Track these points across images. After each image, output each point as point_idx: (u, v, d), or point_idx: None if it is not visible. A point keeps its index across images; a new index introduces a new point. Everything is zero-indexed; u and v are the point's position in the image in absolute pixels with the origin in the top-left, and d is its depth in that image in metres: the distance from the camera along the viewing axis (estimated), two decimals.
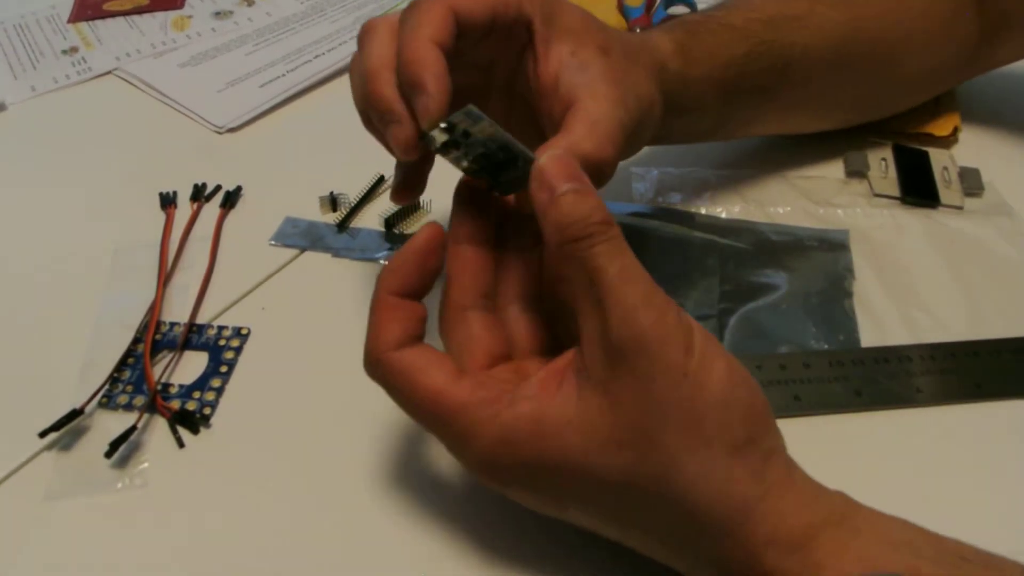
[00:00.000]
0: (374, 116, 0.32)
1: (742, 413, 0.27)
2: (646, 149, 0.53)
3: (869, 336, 0.41)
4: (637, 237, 0.47)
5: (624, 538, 0.30)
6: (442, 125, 0.30)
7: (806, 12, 0.46)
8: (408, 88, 0.30)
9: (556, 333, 0.33)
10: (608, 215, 0.28)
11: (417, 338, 0.31)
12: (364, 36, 0.34)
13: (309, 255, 0.48)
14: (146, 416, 0.39)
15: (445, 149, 0.31)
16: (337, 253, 0.48)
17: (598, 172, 0.32)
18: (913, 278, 0.44)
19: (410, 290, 0.31)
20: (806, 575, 0.26)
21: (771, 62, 0.45)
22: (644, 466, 0.27)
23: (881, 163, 0.50)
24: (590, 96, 0.33)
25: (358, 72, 0.33)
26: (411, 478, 0.37)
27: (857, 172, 0.50)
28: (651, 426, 0.27)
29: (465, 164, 0.31)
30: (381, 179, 0.51)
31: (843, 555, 0.27)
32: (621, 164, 0.51)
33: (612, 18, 0.66)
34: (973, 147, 0.52)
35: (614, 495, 0.28)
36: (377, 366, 0.31)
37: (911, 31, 0.48)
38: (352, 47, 0.64)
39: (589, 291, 0.28)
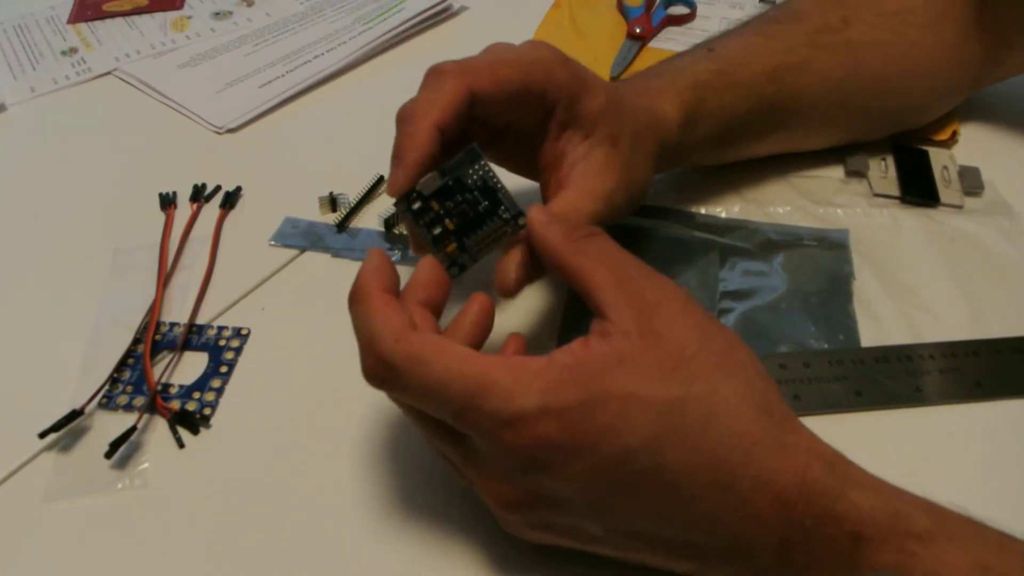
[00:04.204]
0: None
1: (752, 356, 0.30)
2: None
3: (869, 336, 0.41)
4: (637, 237, 0.47)
5: (664, 500, 0.28)
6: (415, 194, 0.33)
7: (806, 59, 0.46)
8: (395, 152, 0.34)
9: None
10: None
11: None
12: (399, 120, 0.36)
13: (309, 255, 0.48)
14: (146, 416, 0.39)
15: (416, 215, 0.33)
16: (337, 253, 0.48)
17: (544, 253, 0.33)
18: (913, 277, 0.44)
19: (394, 288, 0.31)
20: (848, 486, 0.28)
21: (772, 114, 0.46)
22: (695, 389, 0.27)
23: (881, 163, 0.50)
24: (575, 188, 0.36)
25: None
26: (411, 478, 0.37)
27: (857, 172, 0.50)
28: (693, 356, 0.28)
29: (438, 230, 0.32)
30: (381, 179, 0.51)
31: (874, 479, 0.29)
32: None
33: (611, 18, 0.66)
34: (973, 146, 0.52)
35: (663, 423, 0.27)
36: (396, 349, 0.28)
37: (916, 64, 0.48)
38: (351, 47, 0.64)
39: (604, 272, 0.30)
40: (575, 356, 0.28)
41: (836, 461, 0.29)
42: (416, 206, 0.33)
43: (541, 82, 0.36)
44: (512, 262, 0.33)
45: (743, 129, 0.46)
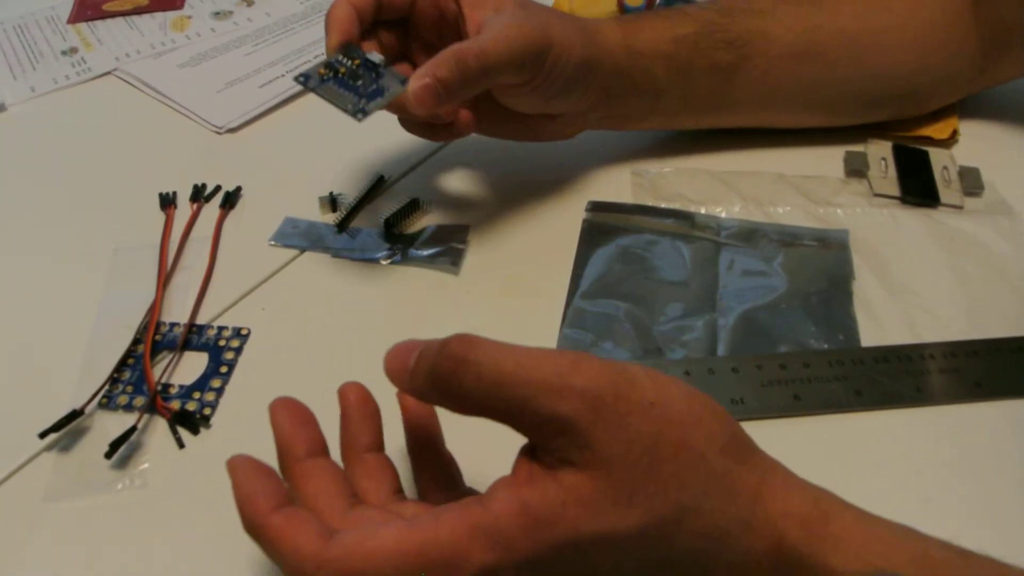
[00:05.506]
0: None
1: (713, 417, 0.27)
2: (646, 149, 0.53)
3: (869, 336, 0.41)
4: (637, 238, 0.47)
5: None
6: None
7: (768, 8, 0.48)
8: (325, 27, 0.43)
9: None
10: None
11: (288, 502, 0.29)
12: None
13: (309, 255, 0.48)
14: (146, 417, 0.39)
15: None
16: (337, 253, 0.48)
17: (465, 69, 0.39)
18: (913, 277, 0.44)
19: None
20: (827, 548, 0.26)
21: (726, 39, 0.47)
22: (656, 508, 0.25)
23: (881, 163, 0.50)
24: (489, 22, 0.41)
25: None
26: (411, 477, 0.37)
27: (857, 172, 0.50)
28: (647, 468, 0.25)
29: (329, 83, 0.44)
30: (381, 180, 0.51)
31: (858, 530, 0.27)
32: (621, 164, 0.52)
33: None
34: (973, 147, 0.52)
35: (636, 548, 0.26)
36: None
37: (888, 29, 0.48)
38: None
39: (503, 401, 0.26)
40: (520, 494, 0.25)
41: (814, 518, 0.27)
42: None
43: None
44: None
45: (696, 53, 0.47)
